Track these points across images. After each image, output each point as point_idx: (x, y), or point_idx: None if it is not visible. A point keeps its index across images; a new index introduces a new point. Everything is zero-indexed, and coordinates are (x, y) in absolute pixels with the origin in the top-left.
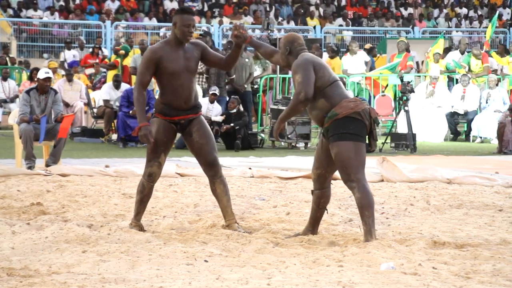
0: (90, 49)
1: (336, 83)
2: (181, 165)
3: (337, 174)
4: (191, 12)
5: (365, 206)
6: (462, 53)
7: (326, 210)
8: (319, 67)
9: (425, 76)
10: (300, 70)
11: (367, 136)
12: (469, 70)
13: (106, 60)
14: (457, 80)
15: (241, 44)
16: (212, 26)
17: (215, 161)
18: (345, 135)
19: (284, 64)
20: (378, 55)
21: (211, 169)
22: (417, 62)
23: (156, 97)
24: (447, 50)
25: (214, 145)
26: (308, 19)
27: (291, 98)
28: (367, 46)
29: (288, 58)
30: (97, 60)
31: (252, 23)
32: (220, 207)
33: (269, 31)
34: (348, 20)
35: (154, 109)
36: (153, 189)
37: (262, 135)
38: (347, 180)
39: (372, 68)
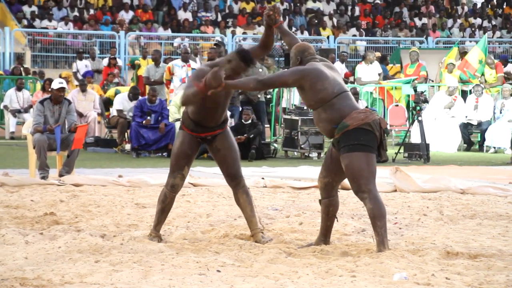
0: (104, 60)
1: (344, 94)
2: (194, 175)
3: (347, 183)
4: (249, 65)
5: (377, 216)
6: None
7: (336, 218)
8: (319, 79)
9: (439, 86)
10: (291, 71)
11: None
12: (484, 80)
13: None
14: (470, 91)
15: (270, 24)
16: (225, 36)
17: (237, 173)
18: (356, 146)
19: None
20: (391, 65)
21: (233, 180)
22: (426, 72)
23: (170, 105)
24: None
25: (237, 157)
26: (321, 29)
27: (304, 106)
28: (377, 54)
29: None
30: (115, 71)
31: None
32: (245, 217)
33: (282, 41)
34: (361, 30)
35: (182, 121)
36: (174, 199)
37: (275, 145)
38: (358, 191)
39: (386, 77)
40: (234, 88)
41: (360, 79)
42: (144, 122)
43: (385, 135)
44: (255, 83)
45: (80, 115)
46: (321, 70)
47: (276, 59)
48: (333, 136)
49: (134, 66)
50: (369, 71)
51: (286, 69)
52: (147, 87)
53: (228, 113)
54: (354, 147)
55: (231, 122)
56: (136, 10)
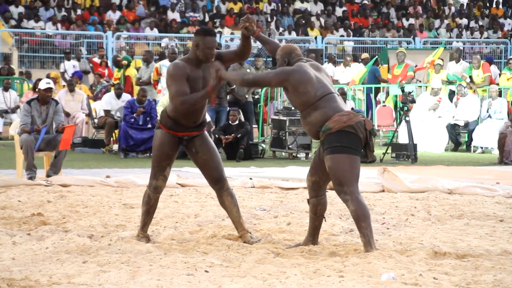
0: (95, 59)
1: (329, 97)
2: (182, 176)
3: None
4: (213, 34)
5: (361, 217)
6: (457, 62)
7: (324, 218)
8: (301, 82)
9: (426, 87)
10: (276, 73)
11: (363, 148)
12: (471, 81)
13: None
14: (455, 91)
15: (249, 35)
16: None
17: (220, 177)
18: (339, 148)
19: None
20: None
21: (217, 183)
22: (414, 72)
23: (158, 106)
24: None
25: (219, 160)
26: (309, 29)
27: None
28: (364, 56)
29: None
30: (105, 71)
31: None
32: (231, 219)
33: None
34: (349, 30)
35: (160, 119)
36: (158, 200)
37: (263, 145)
38: (340, 192)
39: (377, 79)
40: (228, 79)
41: (338, 82)
42: (135, 114)
43: (372, 136)
44: (241, 80)
45: (67, 115)
46: (305, 72)
47: (264, 59)
48: (318, 138)
49: (121, 65)
50: (347, 74)
51: (272, 70)
52: (135, 88)
53: (208, 118)
54: (336, 149)
55: (212, 126)
56: (122, 10)
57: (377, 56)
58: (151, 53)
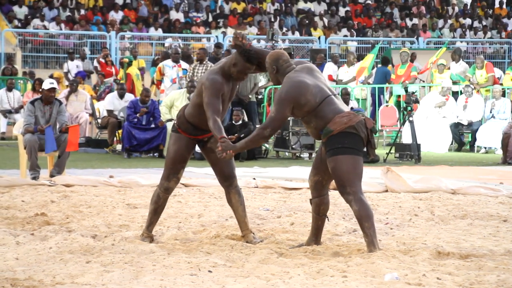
0: (101, 59)
1: (328, 100)
2: (185, 176)
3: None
4: (254, 63)
5: (364, 217)
6: (457, 62)
7: (327, 217)
8: (301, 94)
9: (430, 87)
10: (279, 104)
11: (365, 146)
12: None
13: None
14: (460, 91)
15: (243, 51)
16: (216, 36)
17: (231, 173)
18: (341, 149)
19: (274, 82)
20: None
21: (227, 180)
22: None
23: (161, 106)
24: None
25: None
26: (312, 29)
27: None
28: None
29: (277, 76)
30: (112, 70)
31: (257, 34)
32: (236, 218)
33: (273, 42)
34: (352, 30)
35: (178, 124)
36: (167, 200)
37: (266, 145)
38: (344, 192)
39: (388, 81)
40: (245, 149)
41: (341, 81)
42: (138, 114)
43: (373, 134)
44: (263, 138)
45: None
46: (299, 82)
47: None
48: (321, 139)
49: (122, 64)
50: (350, 73)
51: (277, 103)
52: (138, 87)
53: None
54: (339, 150)
55: None
56: (124, 10)
57: (380, 43)
58: (167, 54)
